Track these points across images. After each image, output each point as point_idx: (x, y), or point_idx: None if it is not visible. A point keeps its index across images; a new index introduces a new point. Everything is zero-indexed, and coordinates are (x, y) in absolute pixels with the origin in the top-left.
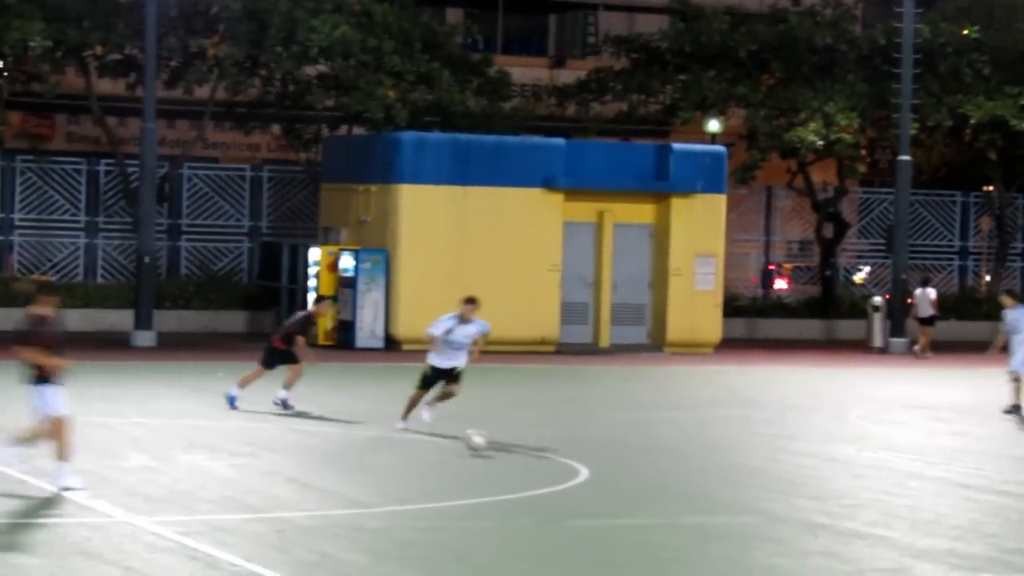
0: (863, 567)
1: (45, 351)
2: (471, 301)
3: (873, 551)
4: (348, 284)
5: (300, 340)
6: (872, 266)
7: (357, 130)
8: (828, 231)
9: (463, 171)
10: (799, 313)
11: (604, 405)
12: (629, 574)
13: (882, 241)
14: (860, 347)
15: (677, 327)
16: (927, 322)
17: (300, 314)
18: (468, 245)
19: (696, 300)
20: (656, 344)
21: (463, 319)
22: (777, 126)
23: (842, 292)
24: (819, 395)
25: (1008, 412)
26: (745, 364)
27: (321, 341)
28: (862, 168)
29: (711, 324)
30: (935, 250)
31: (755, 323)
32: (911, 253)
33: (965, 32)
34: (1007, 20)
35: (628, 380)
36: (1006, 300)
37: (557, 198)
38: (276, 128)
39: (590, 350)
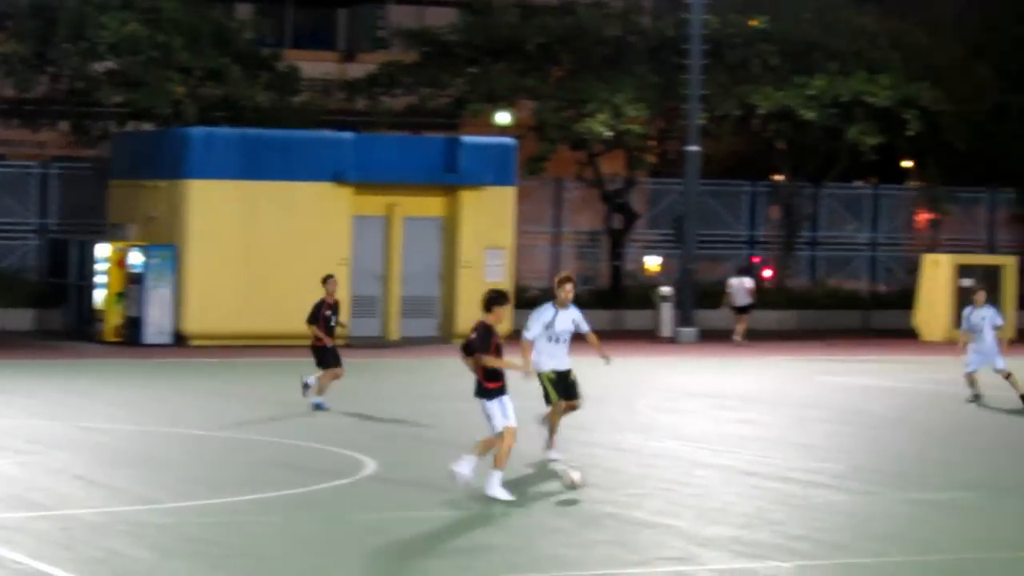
0: (650, 556)
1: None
2: (568, 280)
3: (660, 539)
4: (136, 280)
5: (312, 329)
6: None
7: (146, 126)
8: (617, 222)
9: (252, 166)
10: (588, 304)
11: (392, 398)
12: (413, 566)
13: (671, 232)
14: (649, 337)
15: (467, 319)
16: (743, 311)
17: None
18: (258, 240)
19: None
20: (445, 336)
21: (561, 304)
22: (567, 118)
23: (631, 282)
24: (608, 385)
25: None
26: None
27: (108, 337)
28: (651, 159)
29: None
30: (724, 240)
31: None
32: (700, 243)
33: (753, 23)
34: (794, 11)
35: (417, 373)
36: (977, 298)
37: (346, 192)
38: (64, 125)
39: (379, 343)
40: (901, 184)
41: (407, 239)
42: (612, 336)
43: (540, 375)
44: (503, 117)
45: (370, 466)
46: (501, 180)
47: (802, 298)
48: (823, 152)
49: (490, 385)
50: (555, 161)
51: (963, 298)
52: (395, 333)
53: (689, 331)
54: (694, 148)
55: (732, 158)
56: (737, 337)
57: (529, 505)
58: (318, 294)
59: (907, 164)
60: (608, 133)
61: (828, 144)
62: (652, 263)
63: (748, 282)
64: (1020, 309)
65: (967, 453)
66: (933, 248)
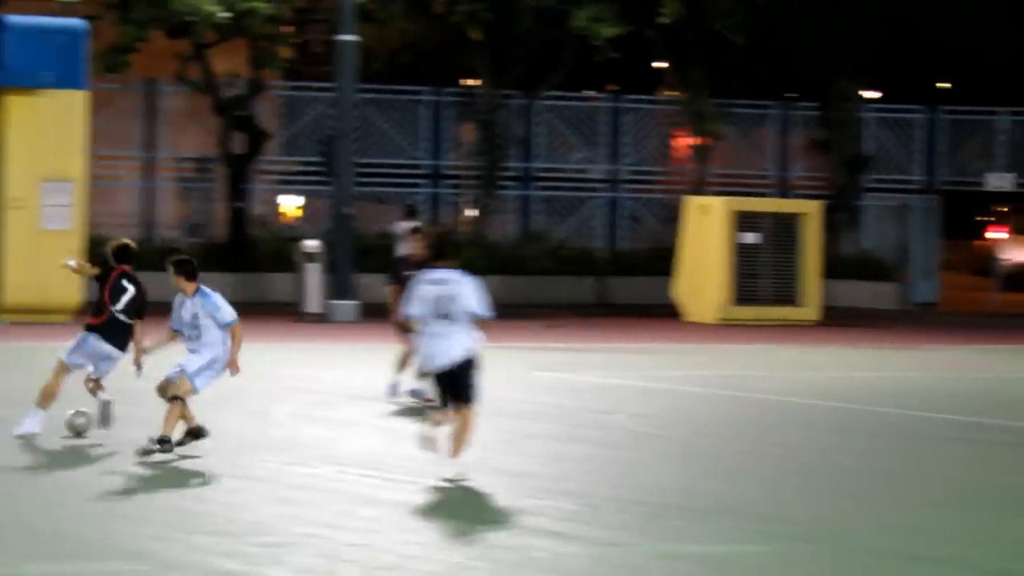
0: None
1: None
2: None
3: None
4: None
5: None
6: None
7: None
8: (239, 144)
9: None
10: (200, 265)
11: None
12: None
13: (318, 159)
14: (288, 313)
15: (17, 284)
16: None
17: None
18: None
19: (45, 245)
20: None
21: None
22: None
23: (260, 233)
24: (228, 383)
25: None
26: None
27: None
28: (286, 53)
29: (67, 279)
30: (396, 171)
31: None
32: (362, 176)
33: None
34: None
35: None
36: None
37: None
38: None
39: None
40: (652, 95)
41: None
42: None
43: None
44: None
45: None
46: (65, 81)
47: (510, 257)
48: (538, 47)
49: None
50: (146, 54)
51: (744, 260)
52: None
53: (346, 305)
54: (349, 38)
55: (406, 53)
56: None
57: (113, 560)
58: None
59: (660, 65)
60: (223, 14)
61: (546, 35)
62: (290, 205)
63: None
64: (829, 278)
65: (754, 485)
66: (700, 188)
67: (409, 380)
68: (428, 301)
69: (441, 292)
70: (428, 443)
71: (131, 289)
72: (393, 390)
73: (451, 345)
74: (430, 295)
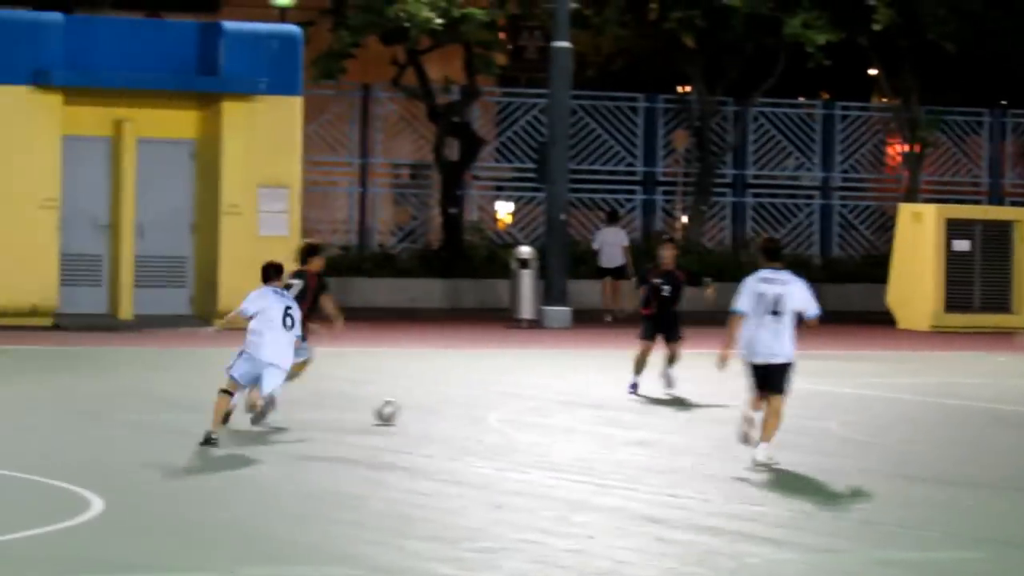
0: None
1: None
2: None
3: None
4: None
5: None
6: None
7: None
8: (453, 151)
9: None
10: (412, 271)
11: (124, 407)
12: None
13: (532, 165)
14: (502, 319)
15: (232, 290)
16: (616, 274)
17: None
18: None
19: (262, 250)
20: (203, 315)
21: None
22: None
23: (473, 239)
24: (443, 389)
25: None
26: (332, 343)
27: None
28: (501, 59)
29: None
30: (609, 177)
31: (349, 284)
32: (575, 182)
33: None
34: None
35: (161, 370)
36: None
37: (53, 100)
38: None
39: (105, 324)
40: (865, 102)
41: (144, 171)
42: (449, 317)
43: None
44: None
45: (96, 505)
46: (282, 87)
47: (723, 264)
48: (751, 54)
49: None
50: (361, 60)
51: (957, 267)
52: (128, 310)
53: (560, 311)
54: (563, 44)
55: (620, 59)
56: (608, 317)
57: (326, 564)
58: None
59: (873, 72)
60: (438, 20)
61: (759, 41)
62: (504, 211)
63: (623, 236)
64: None
65: (965, 491)
66: (913, 195)
67: (647, 380)
68: (757, 297)
69: (771, 290)
70: (747, 423)
71: (296, 284)
72: (633, 389)
73: (774, 344)
74: (759, 292)
